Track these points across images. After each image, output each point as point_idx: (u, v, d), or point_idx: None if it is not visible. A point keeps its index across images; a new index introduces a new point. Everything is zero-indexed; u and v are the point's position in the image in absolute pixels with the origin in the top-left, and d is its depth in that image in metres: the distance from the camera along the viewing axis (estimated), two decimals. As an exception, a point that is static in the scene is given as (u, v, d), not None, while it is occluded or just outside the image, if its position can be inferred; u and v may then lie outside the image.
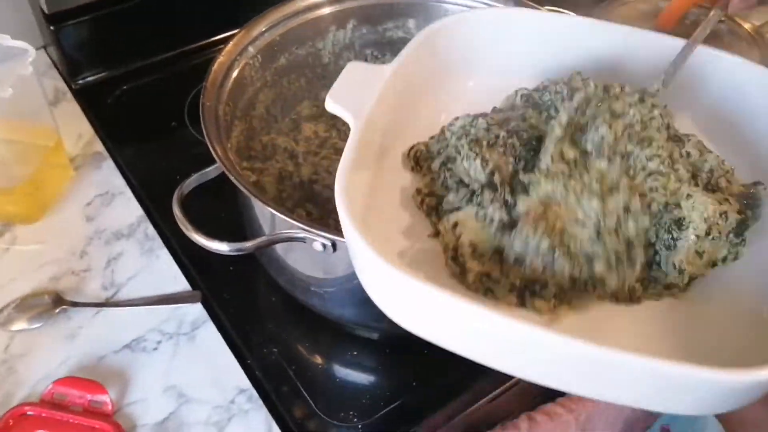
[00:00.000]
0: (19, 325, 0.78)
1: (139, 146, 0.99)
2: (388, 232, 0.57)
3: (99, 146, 0.97)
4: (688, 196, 0.54)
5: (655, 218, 0.54)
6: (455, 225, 0.55)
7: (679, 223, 0.54)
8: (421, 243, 0.57)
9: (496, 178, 0.56)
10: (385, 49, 0.92)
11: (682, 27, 0.98)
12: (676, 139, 0.60)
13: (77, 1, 0.99)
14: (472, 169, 0.58)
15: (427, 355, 0.75)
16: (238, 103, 0.78)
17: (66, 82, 1.06)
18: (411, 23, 0.90)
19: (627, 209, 0.53)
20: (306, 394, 0.74)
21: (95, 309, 0.79)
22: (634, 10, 1.05)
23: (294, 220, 0.63)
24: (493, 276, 0.53)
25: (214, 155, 0.66)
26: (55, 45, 1.03)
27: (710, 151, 0.61)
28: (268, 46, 0.81)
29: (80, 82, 1.05)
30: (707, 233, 0.53)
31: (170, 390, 0.73)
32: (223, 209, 0.81)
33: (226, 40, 0.79)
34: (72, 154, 0.95)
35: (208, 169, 0.69)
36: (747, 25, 1.00)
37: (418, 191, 0.60)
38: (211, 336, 0.78)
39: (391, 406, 0.75)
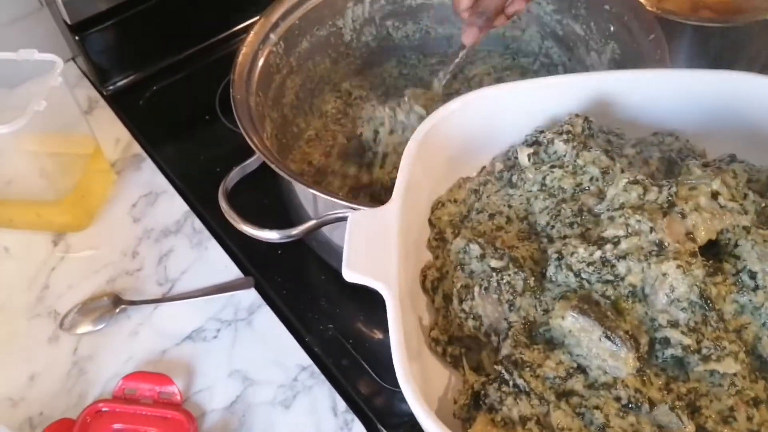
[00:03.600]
0: (84, 328, 0.81)
1: (175, 144, 1.01)
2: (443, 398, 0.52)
3: (137, 148, 1.00)
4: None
5: None
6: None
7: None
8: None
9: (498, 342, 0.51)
10: (406, 18, 0.92)
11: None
12: None
13: (97, 8, 1.01)
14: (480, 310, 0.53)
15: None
16: (267, 92, 0.79)
17: (97, 89, 1.08)
18: (429, -13, 0.89)
19: None
20: (366, 365, 0.76)
21: (153, 305, 0.82)
22: None
23: (339, 199, 0.65)
24: None
25: (253, 146, 0.67)
26: (82, 54, 1.05)
27: None
28: (289, 30, 0.82)
29: (111, 88, 1.07)
30: None
31: (234, 374, 0.76)
32: (265, 198, 0.83)
33: (247, 29, 0.80)
34: (112, 159, 0.98)
35: (248, 161, 0.71)
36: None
37: (435, 341, 0.54)
38: (267, 319, 0.80)
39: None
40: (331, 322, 0.81)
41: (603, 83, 0.60)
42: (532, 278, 0.52)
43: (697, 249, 0.50)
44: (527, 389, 0.47)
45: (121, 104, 1.06)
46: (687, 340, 0.47)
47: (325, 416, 0.72)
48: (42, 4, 1.05)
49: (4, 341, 0.80)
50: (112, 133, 1.01)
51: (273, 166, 0.66)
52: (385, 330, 0.79)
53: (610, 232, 0.51)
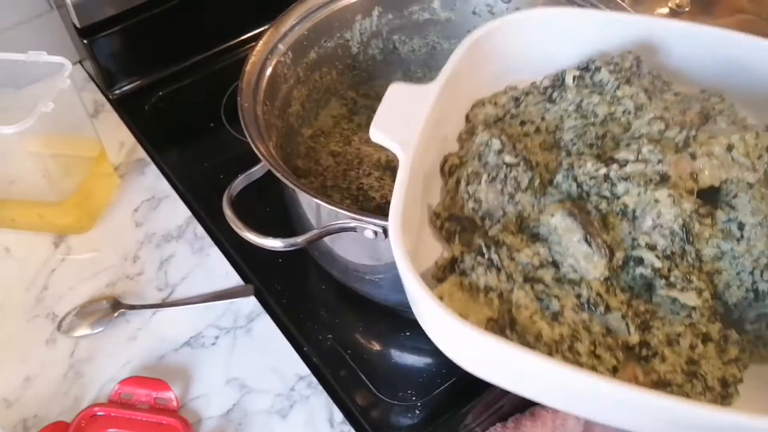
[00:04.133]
0: (82, 331, 0.81)
1: (180, 149, 1.01)
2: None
3: (141, 153, 1.00)
4: None
5: None
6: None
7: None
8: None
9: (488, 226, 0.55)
10: (413, 33, 0.93)
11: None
12: None
13: (106, 12, 1.01)
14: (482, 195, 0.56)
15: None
16: (274, 101, 0.79)
17: (103, 93, 1.08)
18: (436, 3, 0.90)
19: None
20: (364, 377, 0.76)
21: (152, 310, 0.82)
22: None
23: (343, 209, 0.65)
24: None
25: (259, 155, 0.68)
26: (90, 58, 1.05)
27: None
28: (298, 41, 0.82)
29: (117, 92, 1.08)
30: None
31: (232, 382, 0.76)
32: (269, 206, 0.83)
33: (254, 38, 0.80)
34: (116, 163, 0.98)
35: (253, 169, 0.71)
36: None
37: (437, 215, 0.57)
38: (266, 327, 0.80)
39: (448, 383, 0.76)
40: (330, 332, 0.80)
41: (661, 29, 0.61)
42: (538, 180, 0.55)
43: (695, 188, 0.53)
44: (499, 265, 0.50)
45: (127, 109, 1.06)
46: (659, 264, 0.50)
47: (321, 427, 0.72)
48: (51, 7, 1.05)
49: (1, 342, 0.80)
50: (116, 137, 1.02)
51: (279, 175, 0.66)
52: (383, 343, 0.80)
53: (621, 155, 0.53)
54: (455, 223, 0.55)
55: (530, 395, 0.48)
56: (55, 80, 0.81)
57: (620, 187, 0.52)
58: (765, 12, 0.94)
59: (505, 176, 0.55)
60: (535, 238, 0.53)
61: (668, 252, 0.51)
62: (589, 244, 0.50)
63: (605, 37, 0.62)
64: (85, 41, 1.03)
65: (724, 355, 0.49)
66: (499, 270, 0.50)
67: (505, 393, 0.77)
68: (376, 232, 0.64)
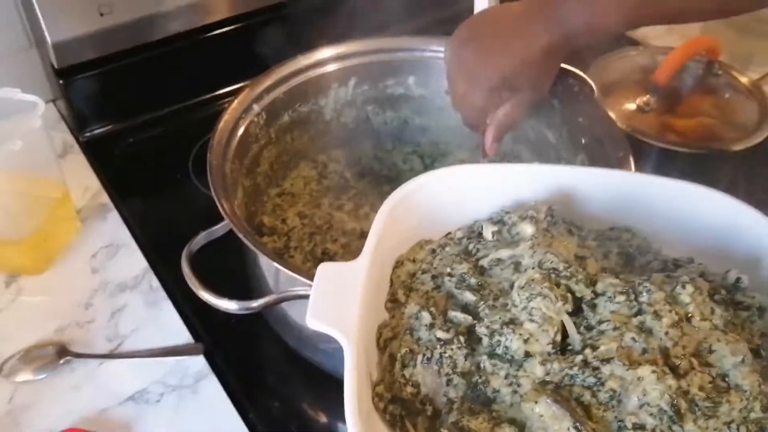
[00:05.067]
0: (24, 376, 0.79)
1: (144, 199, 1.01)
2: None
3: (105, 198, 0.99)
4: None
5: None
6: None
7: None
8: None
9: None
10: (385, 105, 0.95)
11: (678, 80, 1.01)
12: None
13: (86, 56, 1.02)
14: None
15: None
16: (243, 160, 0.80)
17: (74, 134, 1.08)
18: (411, 80, 0.93)
19: None
20: (308, 451, 0.75)
21: (99, 360, 0.80)
22: (632, 63, 1.08)
23: (302, 276, 0.65)
24: None
25: (223, 213, 0.68)
26: (63, 98, 1.05)
27: None
28: (272, 103, 0.84)
29: (87, 134, 1.08)
30: None
31: (173, 443, 0.74)
32: (229, 265, 0.83)
33: (229, 94, 0.81)
34: (78, 206, 0.97)
35: (215, 227, 0.71)
36: (744, 79, 1.03)
37: (379, 396, 0.53)
38: (213, 389, 0.79)
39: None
40: (278, 400, 0.80)
41: (567, 177, 0.62)
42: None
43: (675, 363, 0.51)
44: None
45: (96, 152, 1.06)
46: None
47: (259, 497, 0.71)
48: (31, 44, 1.06)
49: (-62, 381, 0.78)
50: (82, 180, 1.01)
51: (241, 236, 0.67)
52: (331, 416, 0.79)
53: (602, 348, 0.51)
54: (398, 405, 0.52)
55: None
56: (26, 118, 0.81)
57: (605, 371, 0.50)
58: (726, 117, 0.98)
59: (440, 356, 0.52)
60: (506, 422, 0.50)
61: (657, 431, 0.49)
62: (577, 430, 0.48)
63: (516, 188, 0.63)
64: (61, 81, 1.03)
65: None
66: None
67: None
68: None
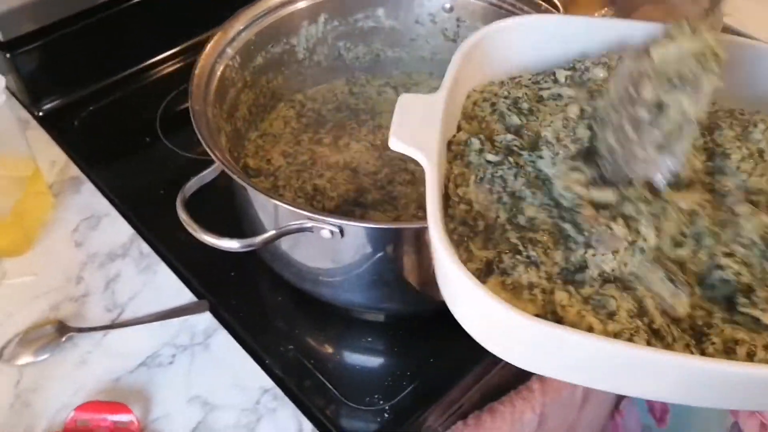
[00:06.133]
0: (25, 359, 0.76)
1: (115, 165, 0.98)
2: None
3: (75, 171, 0.95)
4: None
5: None
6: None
7: None
8: None
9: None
10: (357, 40, 0.94)
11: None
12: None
13: (32, 25, 0.97)
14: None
15: (438, 332, 0.77)
16: (223, 105, 0.78)
17: (29, 110, 1.03)
18: (380, 12, 0.91)
19: None
20: (329, 385, 0.75)
21: (102, 332, 0.78)
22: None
23: (301, 209, 0.64)
24: None
25: (213, 156, 0.66)
26: (13, 73, 1.00)
27: None
28: (245, 46, 0.82)
29: (45, 108, 1.03)
30: None
31: (194, 400, 0.73)
32: (218, 212, 0.81)
33: (184, 52, 0.80)
34: (49, 182, 0.93)
35: (206, 171, 0.69)
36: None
37: (450, 217, 0.55)
38: (225, 342, 0.77)
39: (413, 384, 0.76)
40: (291, 342, 0.79)
41: (642, 31, 0.62)
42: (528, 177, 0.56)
43: None
44: (538, 262, 0.50)
45: (55, 125, 1.02)
46: (736, 267, 0.50)
47: (292, 439, 0.70)
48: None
49: (-62, 375, 0.75)
50: (47, 156, 0.97)
51: (234, 176, 0.65)
52: (344, 348, 0.79)
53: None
54: (466, 227, 0.54)
55: (584, 382, 0.50)
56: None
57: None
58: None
59: (492, 176, 0.55)
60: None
61: (748, 261, 0.51)
62: (673, 283, 0.49)
63: (588, 42, 0.64)
64: (8, 55, 0.98)
65: None
66: (538, 267, 0.50)
67: (465, 392, 0.78)
68: (332, 232, 0.64)
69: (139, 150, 0.99)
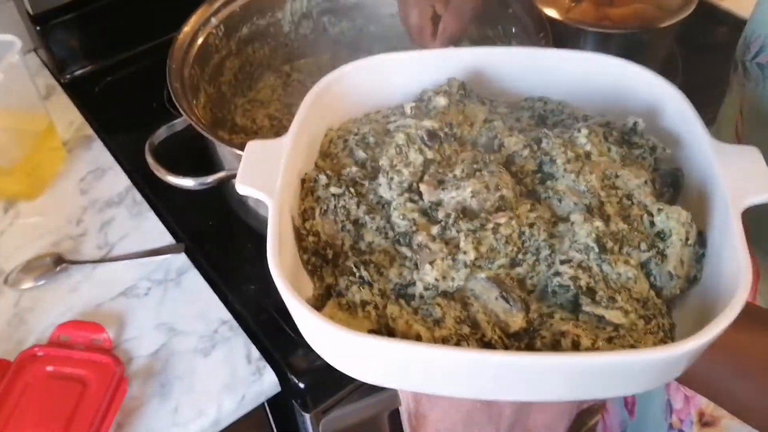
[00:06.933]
0: (26, 284, 0.87)
1: (125, 127, 1.08)
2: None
3: (89, 130, 1.07)
4: (659, 210, 0.56)
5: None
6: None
7: (661, 236, 0.56)
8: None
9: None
10: (341, 15, 1.00)
11: None
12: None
13: (60, 0, 1.09)
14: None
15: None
16: (205, 68, 0.86)
17: (55, 78, 1.15)
18: (362, -13, 0.98)
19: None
20: (281, 321, 0.83)
21: (92, 265, 0.89)
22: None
23: None
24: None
25: (179, 106, 0.75)
26: (42, 45, 1.12)
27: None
28: (230, 17, 0.90)
29: (69, 76, 1.15)
30: (686, 239, 0.55)
31: (161, 326, 0.83)
32: (190, 159, 0.90)
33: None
34: (65, 139, 1.05)
35: (175, 122, 0.78)
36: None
37: (303, 250, 0.58)
38: (195, 280, 0.87)
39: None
40: (253, 283, 0.88)
41: (482, 56, 0.67)
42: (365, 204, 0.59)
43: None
44: (370, 281, 0.54)
45: (78, 92, 1.13)
46: (572, 272, 0.54)
47: (240, 363, 0.79)
48: (5, -5, 1.13)
49: (-52, 293, 0.86)
50: (67, 117, 1.09)
51: (194, 124, 0.74)
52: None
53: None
54: (318, 258, 0.58)
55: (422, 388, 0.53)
56: (5, 56, 0.88)
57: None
58: (658, 2, 1.03)
59: (335, 207, 0.58)
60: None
61: (584, 265, 0.54)
62: (507, 300, 0.53)
63: (436, 72, 0.66)
64: (38, 28, 1.10)
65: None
66: (371, 285, 0.54)
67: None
68: None
69: (146, 116, 1.08)
